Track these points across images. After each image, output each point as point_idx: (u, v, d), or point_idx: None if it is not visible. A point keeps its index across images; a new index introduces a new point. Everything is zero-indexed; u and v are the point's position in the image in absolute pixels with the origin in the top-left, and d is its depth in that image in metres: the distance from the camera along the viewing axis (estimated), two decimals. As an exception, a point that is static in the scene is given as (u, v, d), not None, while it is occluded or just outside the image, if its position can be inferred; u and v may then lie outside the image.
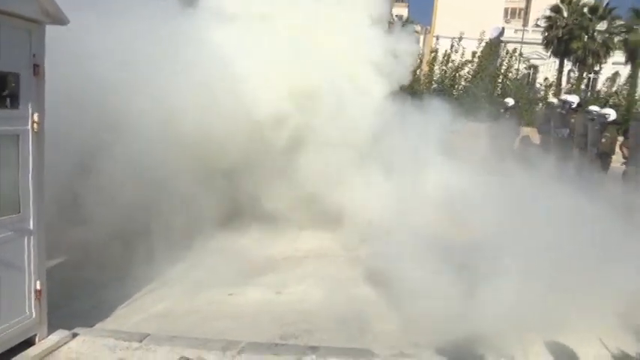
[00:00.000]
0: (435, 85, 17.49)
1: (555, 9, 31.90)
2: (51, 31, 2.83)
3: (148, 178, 4.19)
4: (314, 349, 3.03)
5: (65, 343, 3.00)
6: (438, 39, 21.79)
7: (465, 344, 3.05)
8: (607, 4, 31.15)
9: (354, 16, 6.01)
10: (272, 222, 5.17)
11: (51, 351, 2.91)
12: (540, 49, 33.23)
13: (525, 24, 45.70)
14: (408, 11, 49.04)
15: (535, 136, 10.86)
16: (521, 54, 22.31)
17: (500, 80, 18.11)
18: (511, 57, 19.17)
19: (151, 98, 4.18)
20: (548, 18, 32.02)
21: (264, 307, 3.81)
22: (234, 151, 4.62)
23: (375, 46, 6.03)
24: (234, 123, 4.54)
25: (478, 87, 16.65)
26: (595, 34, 30.00)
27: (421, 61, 17.74)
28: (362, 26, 6.03)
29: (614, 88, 20.11)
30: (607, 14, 30.52)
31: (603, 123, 8.11)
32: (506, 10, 55.20)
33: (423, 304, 3.40)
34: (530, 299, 3.19)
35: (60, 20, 2.86)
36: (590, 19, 30.22)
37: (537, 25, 36.68)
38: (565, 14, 31.14)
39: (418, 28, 36.26)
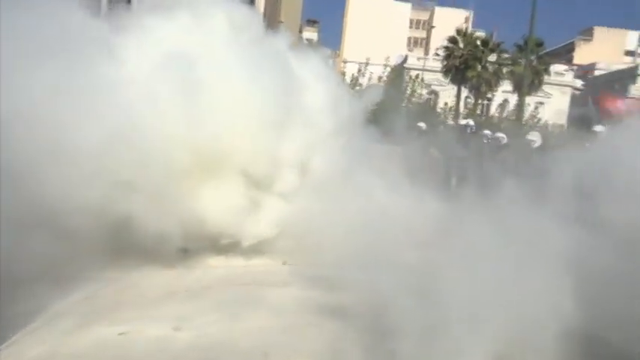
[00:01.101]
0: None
1: (452, 40, 34.64)
2: None
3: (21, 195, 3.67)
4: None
5: None
6: (345, 63, 22.53)
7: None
8: (491, 35, 34.44)
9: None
10: (172, 249, 4.77)
11: None
12: (440, 76, 35.75)
13: (427, 53, 49.14)
14: (318, 35, 50.40)
15: (439, 156, 11.52)
16: (422, 80, 23.73)
17: (404, 104, 19.07)
18: (414, 82, 20.35)
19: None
20: (447, 48, 34.71)
21: (161, 345, 3.43)
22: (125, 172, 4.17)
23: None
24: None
25: (386, 110, 17.25)
26: (487, 64, 32.93)
27: None
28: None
29: (504, 114, 22.11)
30: (496, 47, 33.68)
31: (497, 145, 8.94)
32: (409, 39, 59.06)
33: (333, 337, 3.26)
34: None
35: None
36: (483, 51, 33.18)
37: (437, 54, 39.45)
38: (461, 45, 33.88)
39: (328, 52, 37.21)
